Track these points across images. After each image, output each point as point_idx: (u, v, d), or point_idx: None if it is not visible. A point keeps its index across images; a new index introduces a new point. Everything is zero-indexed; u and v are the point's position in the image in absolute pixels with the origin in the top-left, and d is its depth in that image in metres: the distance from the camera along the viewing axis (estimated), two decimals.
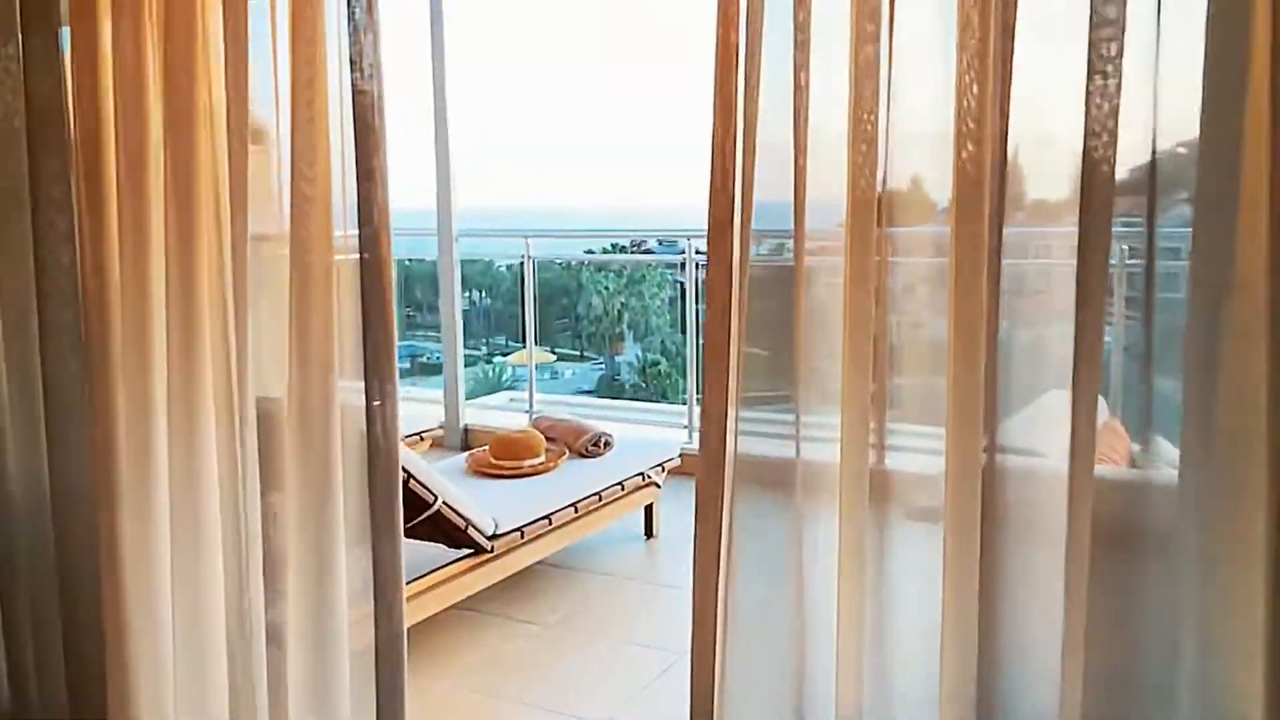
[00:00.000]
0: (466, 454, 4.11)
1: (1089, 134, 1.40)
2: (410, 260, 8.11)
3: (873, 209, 1.63)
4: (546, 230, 5.79)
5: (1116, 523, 1.53)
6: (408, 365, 10.36)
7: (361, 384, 1.92)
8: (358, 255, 1.87)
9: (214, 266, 1.97)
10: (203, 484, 2.04)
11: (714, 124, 1.68)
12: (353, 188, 1.84)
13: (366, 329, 1.91)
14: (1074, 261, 1.58)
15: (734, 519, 1.93)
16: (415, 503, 3.15)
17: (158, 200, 1.97)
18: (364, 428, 1.95)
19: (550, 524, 3.64)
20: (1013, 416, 1.71)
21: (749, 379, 1.81)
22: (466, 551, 3.36)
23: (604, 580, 3.85)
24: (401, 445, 3.15)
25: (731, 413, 1.85)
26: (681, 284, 5.24)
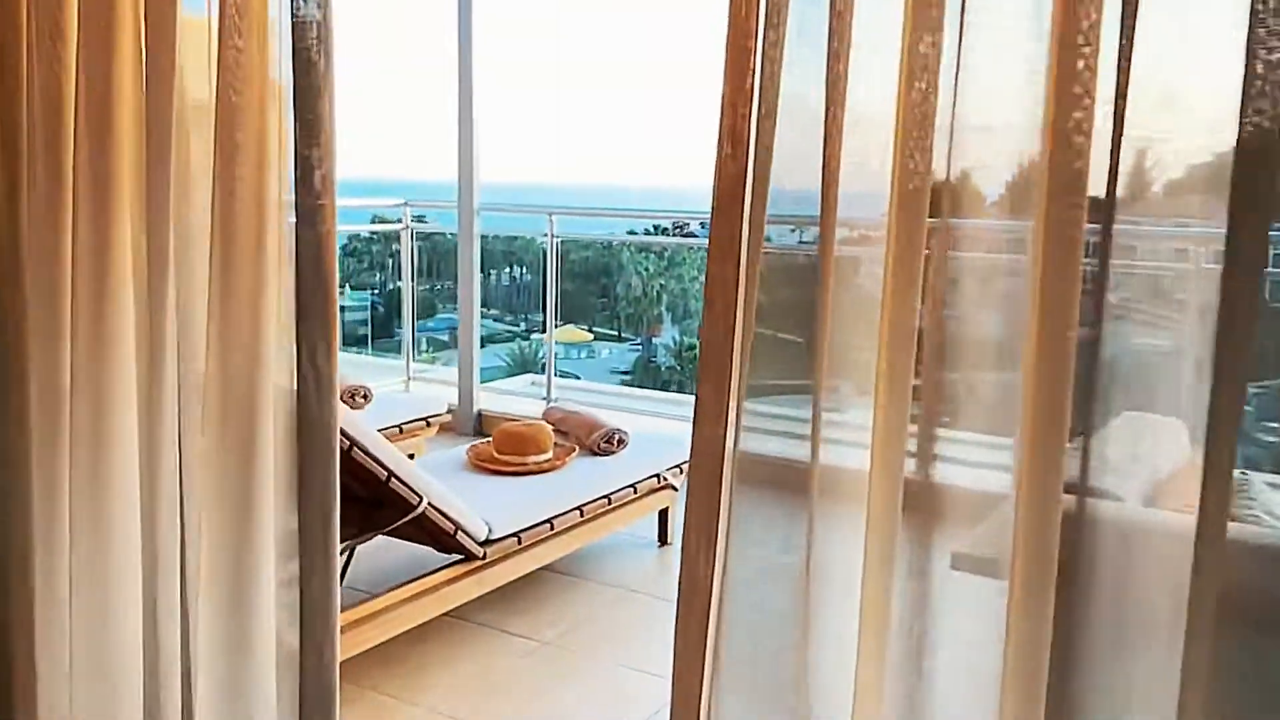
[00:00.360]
0: (468, 446, 3.79)
1: (1247, 107, 1.03)
2: (451, 234, 7.83)
3: (925, 195, 1.28)
4: (572, 208, 5.44)
5: (1247, 594, 1.17)
6: (445, 338, 10.08)
7: (293, 359, 1.60)
8: (294, 213, 1.54)
9: (135, 225, 1.65)
10: (115, 469, 1.73)
11: (725, 75, 1.33)
12: (291, 135, 1.51)
13: (301, 294, 1.58)
14: (1184, 264, 1.23)
15: (731, 531, 1.58)
16: (399, 504, 2.85)
17: (68, 145, 1.66)
18: (295, 407, 1.62)
19: (552, 529, 3.32)
20: (1102, 445, 1.35)
21: (758, 364, 1.46)
22: (456, 557, 3.05)
23: (609, 592, 3.52)
24: (382, 440, 2.86)
25: (733, 404, 1.51)
26: None
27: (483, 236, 5.58)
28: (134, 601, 1.77)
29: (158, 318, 1.65)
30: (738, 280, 1.39)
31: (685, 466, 3.96)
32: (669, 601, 3.44)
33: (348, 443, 2.68)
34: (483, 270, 5.66)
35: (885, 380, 1.34)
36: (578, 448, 3.81)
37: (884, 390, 1.35)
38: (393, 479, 2.77)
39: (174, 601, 1.75)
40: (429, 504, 2.87)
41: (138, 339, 1.70)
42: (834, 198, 1.35)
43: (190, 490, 1.72)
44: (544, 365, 5.67)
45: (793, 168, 1.33)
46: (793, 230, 1.43)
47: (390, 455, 2.78)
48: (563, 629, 3.22)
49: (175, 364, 1.68)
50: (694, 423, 1.54)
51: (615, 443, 3.83)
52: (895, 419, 1.35)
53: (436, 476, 3.49)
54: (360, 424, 2.74)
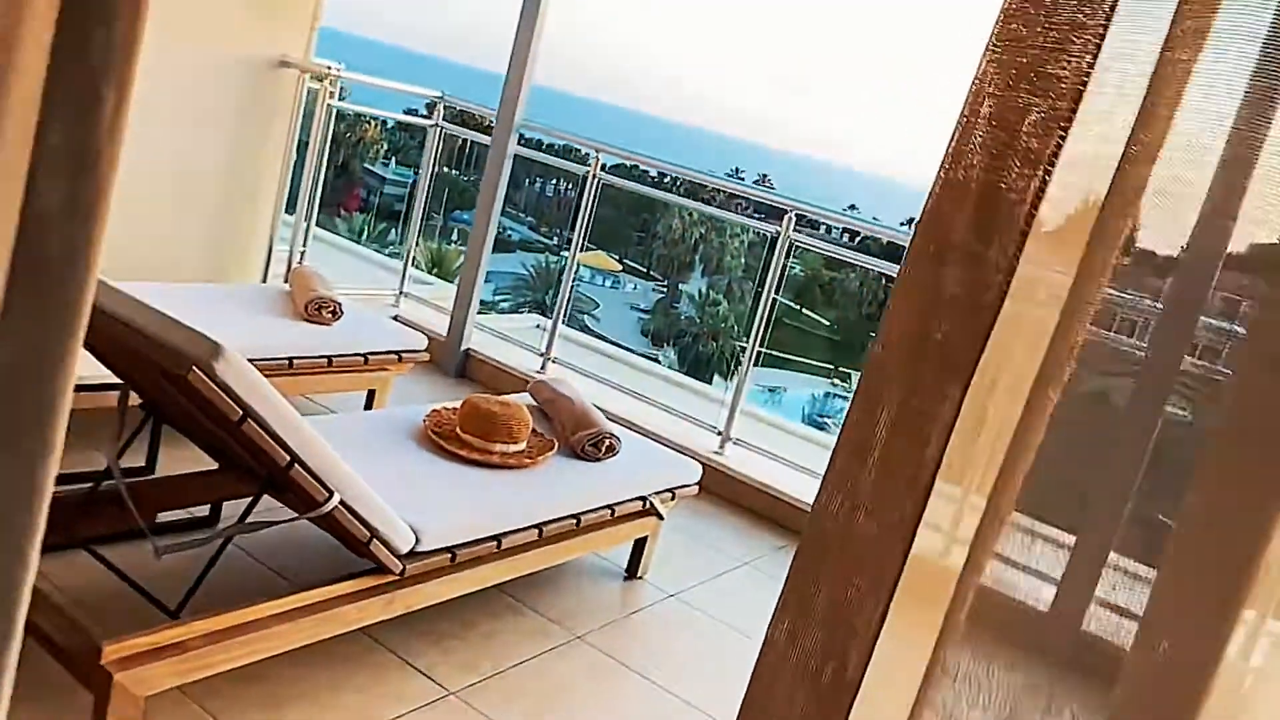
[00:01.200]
0: (431, 410, 3.12)
1: None
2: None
3: None
4: (617, 147, 4.69)
5: None
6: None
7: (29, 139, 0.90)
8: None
9: None
10: None
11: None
12: None
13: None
14: None
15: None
16: (302, 495, 2.19)
17: None
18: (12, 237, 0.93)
19: (498, 548, 2.66)
20: None
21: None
22: (369, 566, 2.40)
23: (552, 633, 2.87)
24: (287, 412, 2.17)
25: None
26: (772, 239, 4.14)
27: (529, 141, 4.85)
28: None
29: None
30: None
31: (680, 492, 3.31)
32: (623, 664, 2.81)
33: (239, 412, 2.01)
34: (527, 176, 4.97)
35: None
36: (557, 443, 3.14)
37: None
38: (296, 466, 2.11)
39: None
40: (340, 503, 2.20)
41: None
42: None
43: None
44: (558, 301, 4.95)
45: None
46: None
47: (296, 433, 2.11)
48: (480, 676, 2.58)
49: None
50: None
51: (603, 449, 3.16)
52: None
53: (376, 444, 2.84)
54: (261, 385, 2.06)
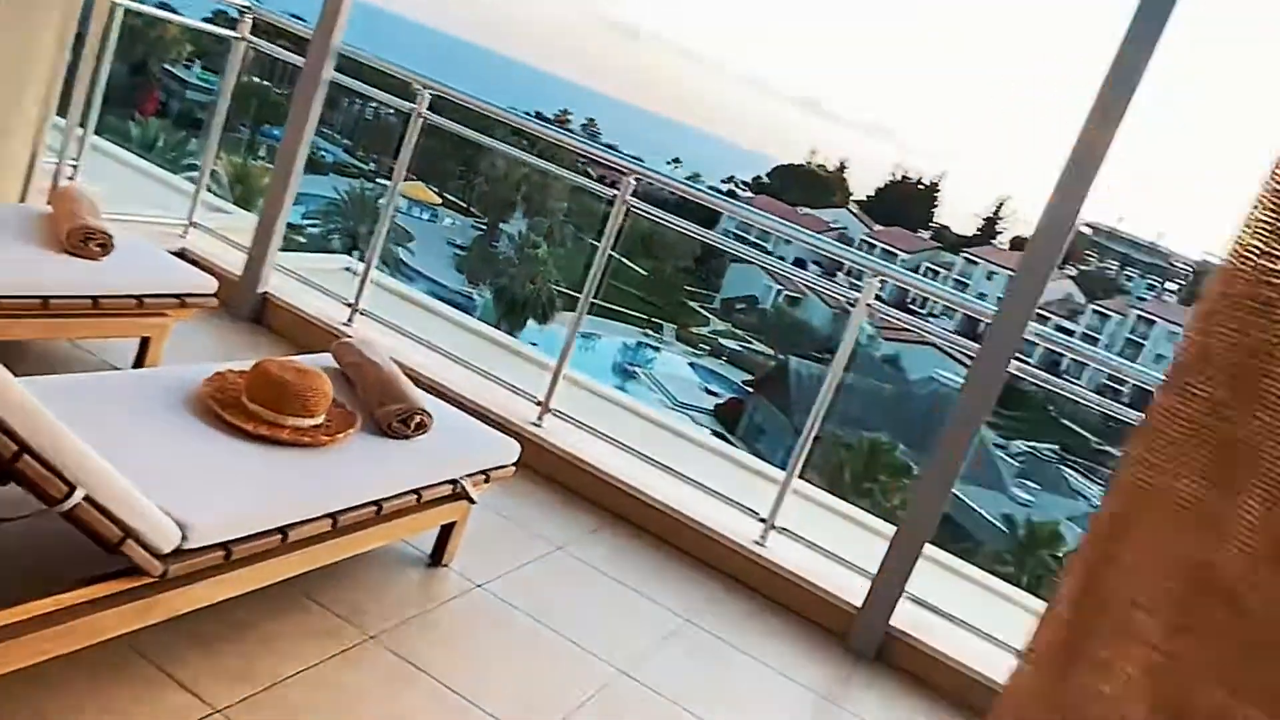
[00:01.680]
0: (211, 373, 2.71)
1: None
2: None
3: None
4: (447, 87, 4.28)
5: None
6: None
7: None
8: None
9: None
10: None
11: None
12: None
13: None
14: None
15: None
16: (38, 491, 1.79)
17: None
18: None
19: (284, 540, 2.33)
20: None
21: None
22: (124, 566, 2.02)
23: (344, 634, 2.56)
24: (15, 392, 1.77)
25: None
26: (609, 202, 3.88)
27: (347, 68, 4.37)
28: None
29: None
30: None
31: (494, 474, 3.04)
32: (420, 669, 2.52)
33: None
34: (346, 97, 4.48)
35: None
36: (360, 417, 2.81)
37: None
38: (25, 456, 1.71)
39: None
40: (85, 498, 1.82)
41: None
42: None
43: None
44: (371, 244, 4.52)
45: None
46: None
47: (24, 415, 1.71)
48: (253, 688, 2.25)
49: None
50: None
51: (412, 426, 2.84)
52: None
53: (142, 413, 2.43)
54: None
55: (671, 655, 3.05)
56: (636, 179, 3.91)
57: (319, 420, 2.65)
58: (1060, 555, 22.84)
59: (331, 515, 2.45)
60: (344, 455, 2.62)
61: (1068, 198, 3.13)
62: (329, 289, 4.57)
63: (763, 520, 3.70)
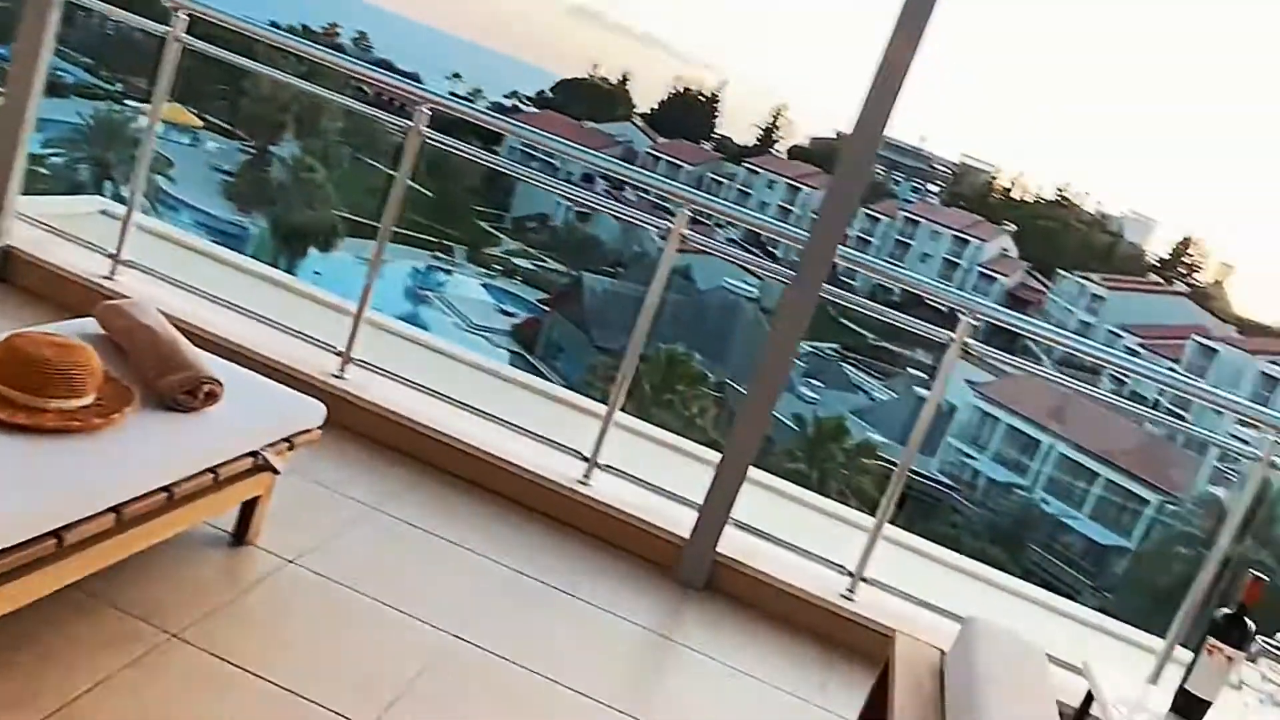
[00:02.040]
0: None
1: None
2: None
3: None
4: (210, 7, 3.82)
5: None
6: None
7: None
8: None
9: None
10: None
11: None
12: None
13: None
14: None
15: None
16: None
17: None
18: None
19: (60, 545, 2.04)
20: None
21: None
22: None
23: (139, 635, 2.30)
24: None
25: None
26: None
27: None
28: None
29: None
30: None
31: (298, 440, 2.80)
32: (238, 665, 2.29)
33: None
34: (84, 11, 3.92)
35: None
36: (138, 392, 2.49)
37: None
38: None
39: None
40: None
41: None
42: None
43: None
44: (131, 182, 4.03)
45: None
46: None
47: None
48: (39, 714, 1.98)
49: None
50: None
51: (200, 396, 2.55)
52: None
53: None
54: None
55: (503, 610, 2.95)
56: (430, 109, 3.64)
57: (88, 400, 2.32)
58: (846, 447, 24.19)
59: (114, 509, 2.17)
60: (123, 437, 2.31)
61: (872, 120, 3.14)
62: (84, 238, 4.07)
63: (586, 459, 3.62)
